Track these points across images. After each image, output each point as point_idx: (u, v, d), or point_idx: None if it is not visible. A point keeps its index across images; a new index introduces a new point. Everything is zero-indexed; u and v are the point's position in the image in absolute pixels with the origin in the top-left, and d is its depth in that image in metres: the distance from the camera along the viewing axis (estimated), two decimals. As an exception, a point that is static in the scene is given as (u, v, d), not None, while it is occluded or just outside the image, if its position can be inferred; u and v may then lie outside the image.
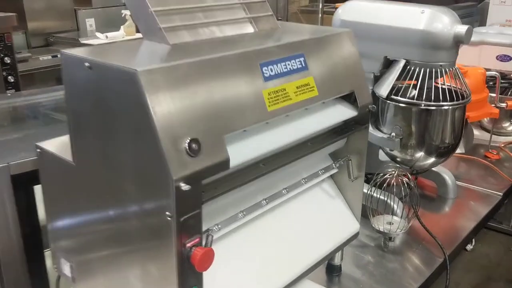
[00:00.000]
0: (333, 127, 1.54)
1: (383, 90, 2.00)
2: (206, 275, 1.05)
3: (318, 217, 1.59)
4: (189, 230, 1.06)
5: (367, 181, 1.91)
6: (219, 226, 1.27)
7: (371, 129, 2.01)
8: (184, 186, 1.00)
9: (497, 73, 2.77)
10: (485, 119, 3.03)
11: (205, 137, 1.06)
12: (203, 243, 1.13)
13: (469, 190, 2.34)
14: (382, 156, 2.29)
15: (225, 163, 1.10)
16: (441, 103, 1.94)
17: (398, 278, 1.72)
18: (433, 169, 2.33)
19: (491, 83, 2.90)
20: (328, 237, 1.57)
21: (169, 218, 1.03)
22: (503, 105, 2.77)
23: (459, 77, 2.00)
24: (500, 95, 2.82)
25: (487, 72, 2.75)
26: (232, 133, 1.14)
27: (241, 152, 1.18)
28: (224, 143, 1.10)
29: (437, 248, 1.95)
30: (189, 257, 1.06)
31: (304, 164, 1.56)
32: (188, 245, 1.06)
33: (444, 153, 2.08)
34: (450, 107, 1.96)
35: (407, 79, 1.99)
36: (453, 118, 1.99)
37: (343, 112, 1.48)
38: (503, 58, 2.98)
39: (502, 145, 2.74)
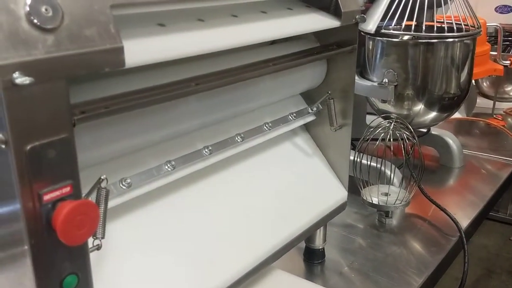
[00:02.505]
0: (305, 43, 1.07)
1: (370, 24, 1.54)
2: (105, 265, 0.58)
3: (289, 181, 1.12)
4: (47, 171, 0.58)
5: (353, 148, 1.44)
6: (128, 182, 0.79)
7: (356, 78, 1.54)
8: (21, 78, 0.52)
9: (498, 25, 2.34)
10: (485, 84, 2.61)
11: (72, 4, 0.58)
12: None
13: (476, 157, 1.88)
14: (370, 119, 1.82)
15: (115, 53, 0.62)
16: (447, 34, 1.49)
17: (400, 266, 1.25)
18: (433, 132, 1.88)
19: (491, 38, 2.47)
20: (303, 207, 1.10)
21: (2, 146, 0.54)
22: (507, 62, 2.35)
23: (466, 7, 1.55)
24: (501, 53, 2.39)
25: (487, 24, 2.32)
26: (133, 11, 0.67)
27: (152, 47, 0.70)
28: (111, 19, 0.62)
29: (447, 226, 1.49)
30: (49, 217, 0.58)
31: (267, 103, 1.09)
32: (46, 197, 0.57)
33: (448, 106, 1.63)
34: (458, 40, 1.50)
35: (397, 14, 1.54)
36: (461, 57, 1.54)
37: (319, 21, 1.01)
38: (502, 9, 2.57)
39: (509, 110, 2.29)
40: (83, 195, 0.72)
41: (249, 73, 0.87)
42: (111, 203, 0.78)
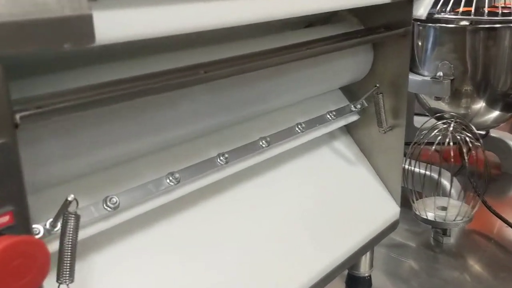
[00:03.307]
0: (345, 26, 0.86)
1: (421, 9, 1.31)
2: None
3: (327, 196, 0.90)
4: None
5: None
6: (115, 202, 0.59)
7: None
8: None
9: None
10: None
11: None
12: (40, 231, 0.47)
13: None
14: (418, 121, 1.59)
15: (81, 23, 0.43)
16: (514, 18, 1.25)
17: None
18: (493, 135, 1.63)
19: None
20: (346, 228, 0.88)
21: None
22: None
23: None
24: None
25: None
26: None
27: (136, 18, 0.51)
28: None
29: (518, 246, 1.24)
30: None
31: (298, 99, 0.88)
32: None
33: (514, 103, 1.38)
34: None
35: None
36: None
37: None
38: None
39: None
40: (46, 223, 0.53)
41: (275, 58, 0.67)
42: (92, 230, 0.59)
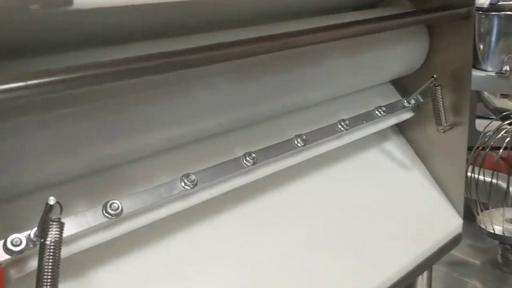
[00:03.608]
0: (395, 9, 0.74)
1: (484, -4, 1.17)
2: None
3: (377, 205, 0.78)
4: None
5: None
6: (116, 207, 0.50)
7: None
8: None
9: None
10: None
11: None
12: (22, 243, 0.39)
13: None
14: (481, 125, 1.42)
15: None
16: None
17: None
18: None
19: None
20: (399, 244, 0.75)
21: None
22: None
23: None
24: None
25: None
26: None
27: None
28: None
29: None
30: None
31: (342, 92, 0.76)
32: None
33: None
34: None
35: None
36: None
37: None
38: None
39: None
40: (31, 232, 0.44)
41: (313, 36, 0.55)
42: (89, 241, 0.50)
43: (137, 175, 0.54)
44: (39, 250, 0.42)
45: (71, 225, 0.48)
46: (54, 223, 0.42)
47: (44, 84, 0.38)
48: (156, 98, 0.52)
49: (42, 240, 0.42)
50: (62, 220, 0.42)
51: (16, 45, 0.45)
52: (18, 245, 0.45)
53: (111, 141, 0.50)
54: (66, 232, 0.47)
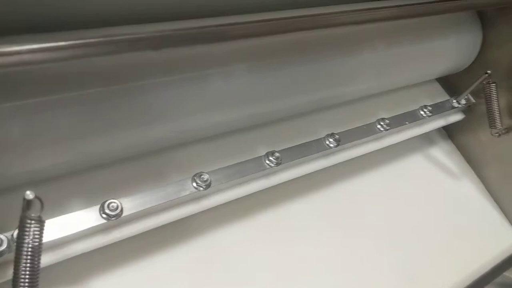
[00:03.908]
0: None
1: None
2: None
3: (420, 218, 0.69)
4: None
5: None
6: (115, 206, 0.44)
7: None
8: None
9: None
10: None
11: None
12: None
13: None
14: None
15: None
16: None
17: None
18: None
19: None
20: (447, 261, 0.66)
21: None
22: None
23: None
24: None
25: None
26: None
27: None
28: None
29: None
30: None
31: (382, 88, 0.68)
32: None
33: None
34: None
35: None
36: None
37: None
38: None
39: None
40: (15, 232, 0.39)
41: (342, 15, 0.48)
42: (85, 245, 0.44)
43: (141, 172, 0.48)
44: (15, 254, 0.36)
45: (63, 226, 0.42)
46: (33, 222, 0.36)
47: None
48: (166, 85, 0.45)
49: (16, 242, 0.36)
50: (44, 219, 0.37)
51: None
52: (-1, 247, 0.39)
53: (112, 131, 0.44)
54: (57, 234, 0.42)
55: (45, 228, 0.37)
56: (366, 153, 0.64)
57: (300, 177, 0.58)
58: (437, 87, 0.78)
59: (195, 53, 0.45)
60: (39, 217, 0.36)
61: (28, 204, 0.36)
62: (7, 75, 0.37)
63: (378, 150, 0.66)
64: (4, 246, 0.39)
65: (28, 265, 0.36)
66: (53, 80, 0.40)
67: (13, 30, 0.34)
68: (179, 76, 0.45)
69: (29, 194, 0.35)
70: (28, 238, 0.36)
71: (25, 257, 0.36)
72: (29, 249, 0.36)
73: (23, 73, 0.38)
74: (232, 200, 0.53)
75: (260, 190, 0.54)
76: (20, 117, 0.38)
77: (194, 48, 0.44)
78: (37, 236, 0.36)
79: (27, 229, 0.36)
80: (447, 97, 0.77)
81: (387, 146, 0.67)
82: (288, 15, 0.45)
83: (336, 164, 0.61)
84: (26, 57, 0.32)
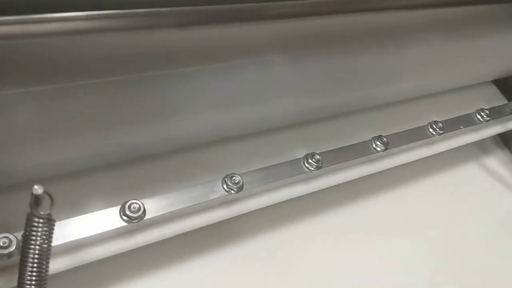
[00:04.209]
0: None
1: None
2: None
3: (472, 240, 0.62)
4: None
5: None
6: (137, 207, 0.39)
7: None
8: None
9: None
10: None
11: None
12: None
13: None
14: None
15: None
16: None
17: None
18: None
19: None
20: (500, 277, 0.58)
21: None
22: None
23: None
24: None
25: None
26: None
27: None
28: None
29: None
30: None
31: (433, 88, 0.62)
32: None
33: None
34: None
35: None
36: None
37: None
38: None
39: None
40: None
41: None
42: (105, 250, 0.39)
43: (166, 171, 0.44)
44: (20, 256, 0.32)
45: (77, 227, 0.38)
46: (41, 220, 0.32)
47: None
48: (195, 74, 0.41)
49: (23, 243, 0.32)
50: (54, 218, 0.33)
51: None
52: (7, 247, 0.35)
53: (136, 124, 0.40)
54: (70, 236, 0.38)
55: (55, 228, 0.33)
56: (417, 160, 0.58)
57: (343, 183, 0.52)
58: (494, 89, 0.71)
59: (227, 38, 0.40)
60: (49, 215, 0.32)
61: (36, 200, 0.31)
62: (21, 54, 0.33)
63: (429, 157, 0.59)
64: (13, 247, 0.35)
65: (34, 270, 0.32)
66: (72, 65, 0.36)
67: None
68: (209, 65, 0.41)
69: (37, 189, 0.31)
70: (36, 239, 0.32)
71: (31, 260, 0.32)
72: (36, 252, 0.32)
73: (38, 54, 0.34)
74: (266, 207, 0.47)
75: (298, 197, 0.49)
76: (34, 104, 0.35)
77: (226, 31, 0.39)
78: (45, 237, 0.32)
79: (35, 229, 0.32)
80: (504, 101, 0.70)
81: (439, 153, 0.61)
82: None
83: (383, 170, 0.55)
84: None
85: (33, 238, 0.32)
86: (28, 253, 0.31)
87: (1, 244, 0.35)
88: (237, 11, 0.33)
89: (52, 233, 0.32)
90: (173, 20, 0.31)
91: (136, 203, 0.40)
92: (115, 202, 0.40)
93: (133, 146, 0.41)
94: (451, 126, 0.61)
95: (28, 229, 0.32)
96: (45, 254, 0.32)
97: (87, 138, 0.37)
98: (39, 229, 0.32)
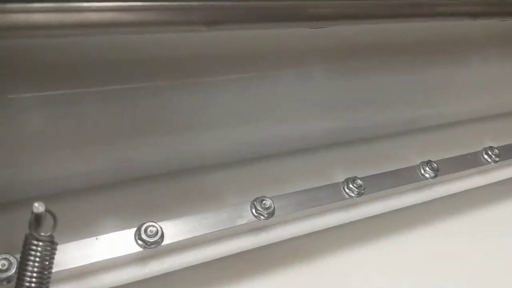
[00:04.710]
0: None
1: None
2: None
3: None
4: None
5: None
6: (155, 231, 0.35)
7: None
8: None
9: None
10: None
11: None
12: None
13: None
14: None
15: None
16: None
17: None
18: None
19: None
20: None
21: None
22: None
23: None
24: None
25: None
26: None
27: None
28: None
29: None
30: None
31: (488, 109, 0.56)
32: None
33: None
34: None
35: None
36: None
37: None
38: None
39: None
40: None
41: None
42: (117, 277, 0.35)
43: (188, 191, 0.39)
44: (15, 283, 0.28)
45: (86, 252, 0.34)
46: (41, 243, 0.28)
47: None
48: (223, 83, 0.37)
49: (19, 268, 0.28)
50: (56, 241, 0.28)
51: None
52: (6, 270, 0.31)
53: (156, 136, 0.36)
54: (76, 261, 0.33)
55: (57, 252, 0.29)
56: (470, 189, 0.52)
57: (386, 212, 0.47)
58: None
59: (261, 45, 0.36)
60: (50, 237, 0.28)
61: (36, 219, 0.27)
62: (30, 54, 0.30)
63: (483, 186, 0.53)
64: (13, 270, 0.31)
65: (30, 299, 0.27)
66: (86, 70, 0.32)
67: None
68: (239, 74, 0.36)
69: (38, 207, 0.27)
70: (33, 264, 0.27)
71: (27, 287, 0.27)
72: (34, 279, 0.27)
73: (51, 56, 0.31)
74: (300, 236, 0.42)
75: (337, 226, 0.44)
76: (41, 110, 0.31)
77: (259, 34, 0.35)
78: (46, 262, 0.28)
79: (33, 252, 0.28)
80: None
81: (494, 183, 0.55)
82: None
83: (432, 199, 0.49)
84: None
85: (31, 262, 0.27)
86: (23, 280, 0.27)
87: (1, 266, 0.31)
88: (272, 9, 0.29)
89: (53, 257, 0.28)
90: (200, 16, 0.26)
91: (154, 226, 0.36)
92: (130, 224, 0.35)
93: (151, 160, 0.37)
94: (509, 153, 0.54)
95: (25, 251, 0.27)
96: (44, 281, 0.28)
97: (100, 150, 0.33)
98: (38, 253, 0.27)
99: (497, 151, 0.53)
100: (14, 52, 0.29)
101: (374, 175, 0.45)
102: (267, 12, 0.29)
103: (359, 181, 0.44)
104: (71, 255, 0.33)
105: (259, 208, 0.40)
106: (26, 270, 0.27)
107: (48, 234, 0.28)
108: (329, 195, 0.43)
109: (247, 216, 0.39)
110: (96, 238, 0.34)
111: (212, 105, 0.37)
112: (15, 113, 0.31)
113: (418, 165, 0.48)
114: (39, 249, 0.27)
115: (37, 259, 0.27)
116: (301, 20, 0.30)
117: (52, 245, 0.28)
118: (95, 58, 0.32)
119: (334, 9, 0.31)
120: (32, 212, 0.27)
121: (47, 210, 0.27)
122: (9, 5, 0.22)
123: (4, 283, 0.31)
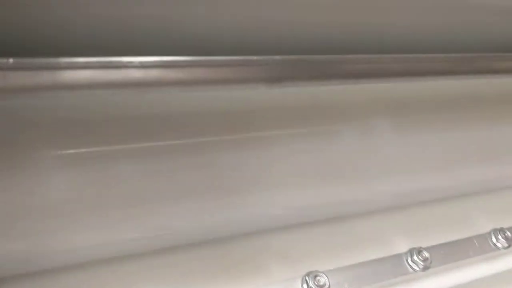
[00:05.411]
0: None
1: None
2: None
3: None
4: None
5: None
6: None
7: None
8: None
9: None
10: None
11: None
12: None
13: None
14: None
15: None
16: None
17: None
18: None
19: None
20: None
21: None
22: None
23: None
24: None
25: None
26: None
27: None
28: None
29: None
30: None
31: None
32: None
33: None
34: None
35: None
36: None
37: None
38: None
39: None
40: None
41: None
42: None
43: (230, 260, 0.34)
44: None
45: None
46: None
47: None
48: (274, 141, 0.32)
49: None
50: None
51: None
52: None
53: (192, 200, 0.31)
54: None
55: None
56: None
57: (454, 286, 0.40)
58: None
59: (323, 98, 0.31)
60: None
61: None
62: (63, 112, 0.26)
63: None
64: None
65: None
66: (119, 126, 0.28)
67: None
68: (294, 130, 0.32)
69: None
70: None
71: None
72: None
73: (78, 112, 0.27)
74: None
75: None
76: (73, 171, 0.27)
77: (318, 90, 0.30)
78: None
79: None
80: None
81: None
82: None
83: (505, 270, 0.43)
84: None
85: None
86: None
87: None
88: (330, 64, 0.25)
89: None
90: (261, 72, 0.22)
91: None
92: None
93: (189, 228, 0.32)
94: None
95: None
96: None
97: (138, 217, 0.29)
98: None
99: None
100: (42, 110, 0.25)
101: (441, 245, 0.40)
102: (324, 66, 0.24)
103: (426, 254, 0.38)
104: None
105: (311, 285, 0.34)
106: None
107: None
108: (391, 268, 0.37)
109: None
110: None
111: (258, 165, 0.32)
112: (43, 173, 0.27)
113: (489, 232, 0.42)
114: None
115: None
116: (360, 77, 0.25)
117: None
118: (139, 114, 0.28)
119: (403, 65, 0.26)
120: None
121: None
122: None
123: None
